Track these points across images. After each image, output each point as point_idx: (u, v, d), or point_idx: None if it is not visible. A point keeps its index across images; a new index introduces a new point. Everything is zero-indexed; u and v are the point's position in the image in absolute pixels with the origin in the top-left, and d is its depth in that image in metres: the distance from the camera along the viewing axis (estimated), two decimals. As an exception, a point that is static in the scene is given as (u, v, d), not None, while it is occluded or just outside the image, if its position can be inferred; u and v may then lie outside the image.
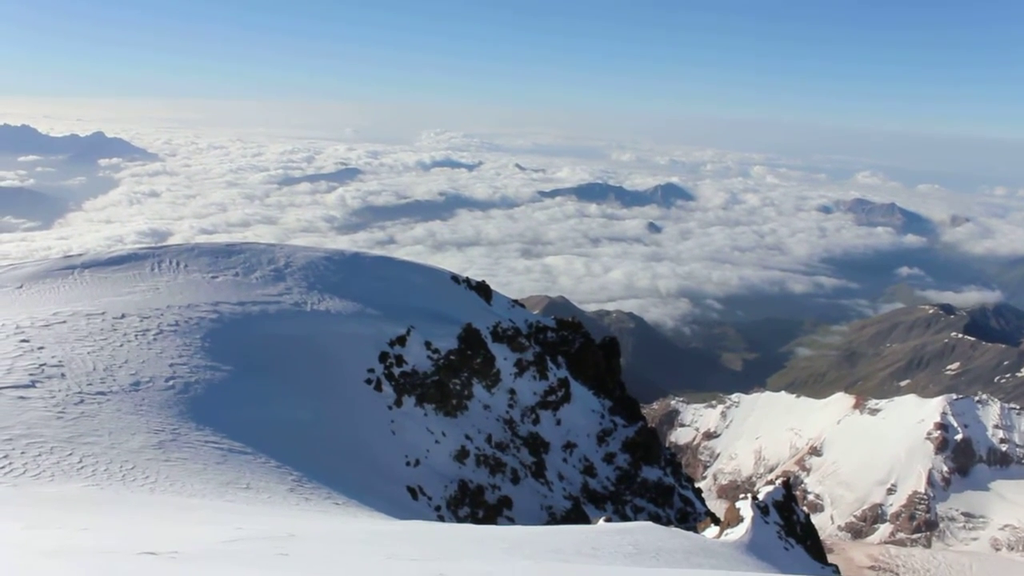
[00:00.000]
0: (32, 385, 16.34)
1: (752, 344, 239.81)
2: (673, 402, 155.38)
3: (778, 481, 26.55)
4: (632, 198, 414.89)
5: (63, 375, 17.36)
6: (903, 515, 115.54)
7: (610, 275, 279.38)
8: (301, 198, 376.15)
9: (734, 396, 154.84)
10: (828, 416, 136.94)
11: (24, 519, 9.16)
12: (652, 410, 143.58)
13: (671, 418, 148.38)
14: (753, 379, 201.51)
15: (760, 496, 23.55)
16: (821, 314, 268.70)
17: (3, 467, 12.52)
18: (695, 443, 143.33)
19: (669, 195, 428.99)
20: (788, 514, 23.76)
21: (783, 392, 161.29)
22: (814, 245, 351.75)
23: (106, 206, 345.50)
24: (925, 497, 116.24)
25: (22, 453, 13.18)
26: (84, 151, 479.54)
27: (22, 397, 15.58)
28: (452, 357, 29.54)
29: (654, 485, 33.53)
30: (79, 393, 16.69)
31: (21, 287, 25.51)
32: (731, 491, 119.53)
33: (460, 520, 24.09)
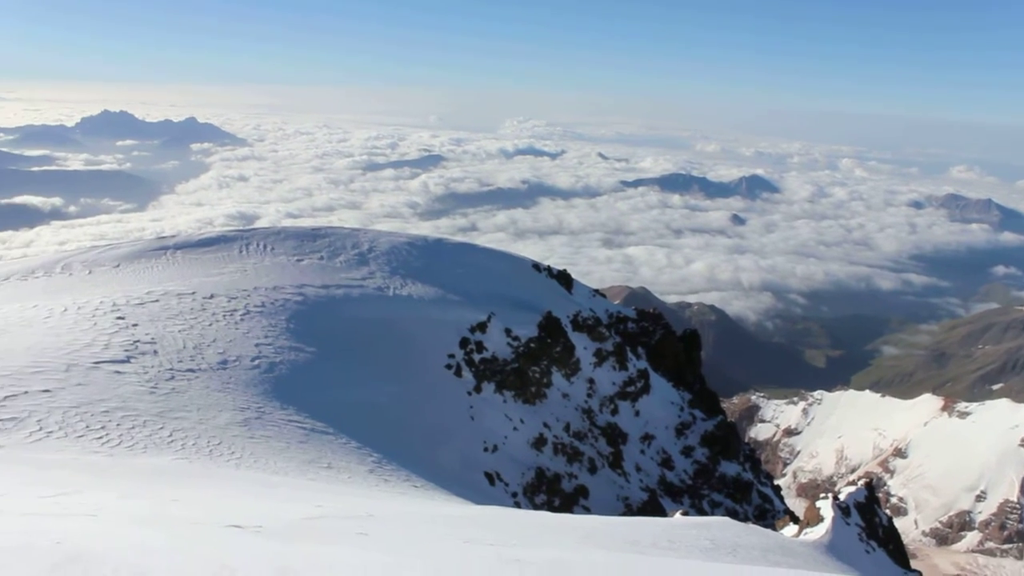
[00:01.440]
0: (127, 360, 16.91)
1: (836, 341, 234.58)
2: (753, 397, 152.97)
3: (860, 482, 25.93)
4: (716, 189, 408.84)
5: (156, 352, 17.91)
6: (993, 524, 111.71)
7: (692, 267, 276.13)
8: (385, 184, 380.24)
9: (816, 393, 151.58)
10: (914, 417, 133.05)
11: (119, 488, 9.48)
12: (732, 405, 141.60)
13: (751, 413, 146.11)
14: (837, 377, 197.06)
15: (841, 496, 23.01)
16: (909, 312, 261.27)
17: (100, 438, 13.00)
18: (775, 440, 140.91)
19: (754, 187, 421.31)
20: (870, 516, 23.18)
21: (868, 391, 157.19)
22: (903, 241, 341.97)
23: (197, 189, 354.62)
24: (1018, 506, 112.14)
25: (117, 425, 13.65)
26: (177, 136, 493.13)
27: (118, 372, 16.13)
28: (532, 345, 29.57)
29: (732, 480, 33.11)
30: (170, 370, 17.20)
31: (118, 266, 26.38)
32: (811, 490, 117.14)
33: (536, 507, 24.14)
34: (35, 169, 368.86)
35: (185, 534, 5.70)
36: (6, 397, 13.69)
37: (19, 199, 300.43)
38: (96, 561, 3.80)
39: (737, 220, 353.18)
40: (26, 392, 14.07)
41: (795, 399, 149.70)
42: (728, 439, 34.57)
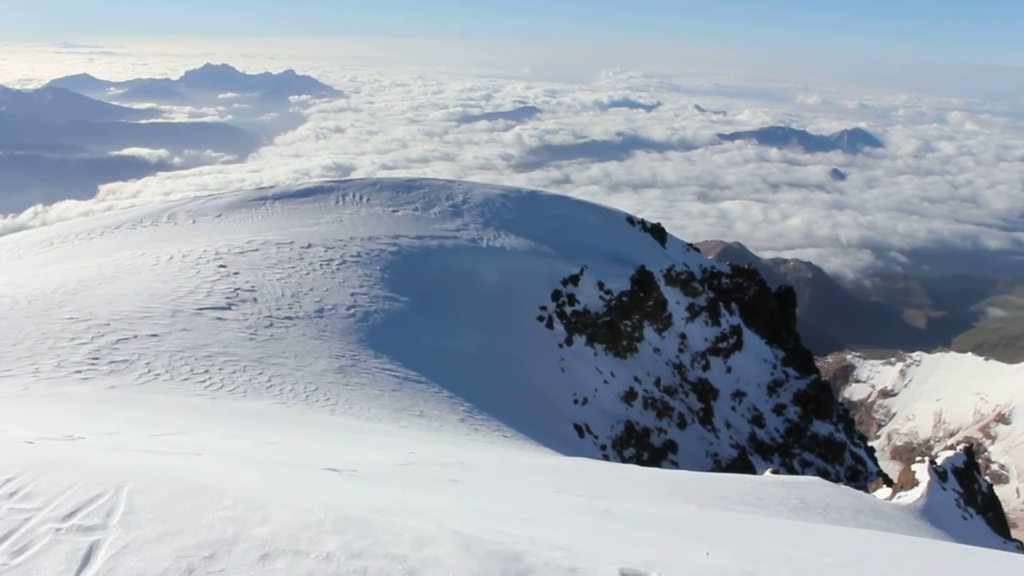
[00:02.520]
0: (228, 308, 17.45)
1: (938, 301, 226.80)
2: (849, 357, 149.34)
3: (959, 447, 25.17)
4: (816, 143, 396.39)
5: (255, 299, 18.43)
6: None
7: (789, 222, 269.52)
8: (479, 136, 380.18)
9: (915, 354, 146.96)
10: (1020, 383, 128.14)
11: (221, 430, 9.83)
12: (826, 363, 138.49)
13: (846, 373, 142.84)
14: (937, 338, 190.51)
15: (939, 461, 22.41)
16: (1019, 273, 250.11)
17: (204, 381, 13.49)
18: (870, 400, 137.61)
19: (856, 141, 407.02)
20: (969, 482, 22.52)
21: (970, 354, 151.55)
22: (1015, 199, 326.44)
23: (294, 141, 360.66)
24: None
25: (220, 370, 14.14)
26: (276, 88, 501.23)
27: (220, 318, 16.67)
28: (624, 298, 29.42)
29: (824, 440, 32.58)
30: (269, 317, 17.69)
31: (220, 216, 27.13)
32: (906, 453, 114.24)
33: (625, 460, 24.19)
34: (142, 122, 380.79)
35: (284, 476, 5.88)
36: (119, 340, 14.29)
37: (128, 151, 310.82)
38: (215, 494, 4.02)
39: (837, 175, 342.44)
40: (135, 336, 14.66)
41: (892, 360, 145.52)
42: (821, 398, 33.97)
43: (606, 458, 23.09)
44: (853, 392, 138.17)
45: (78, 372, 12.82)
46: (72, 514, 3.87)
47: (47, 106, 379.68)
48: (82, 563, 3.51)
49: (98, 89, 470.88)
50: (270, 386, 14.20)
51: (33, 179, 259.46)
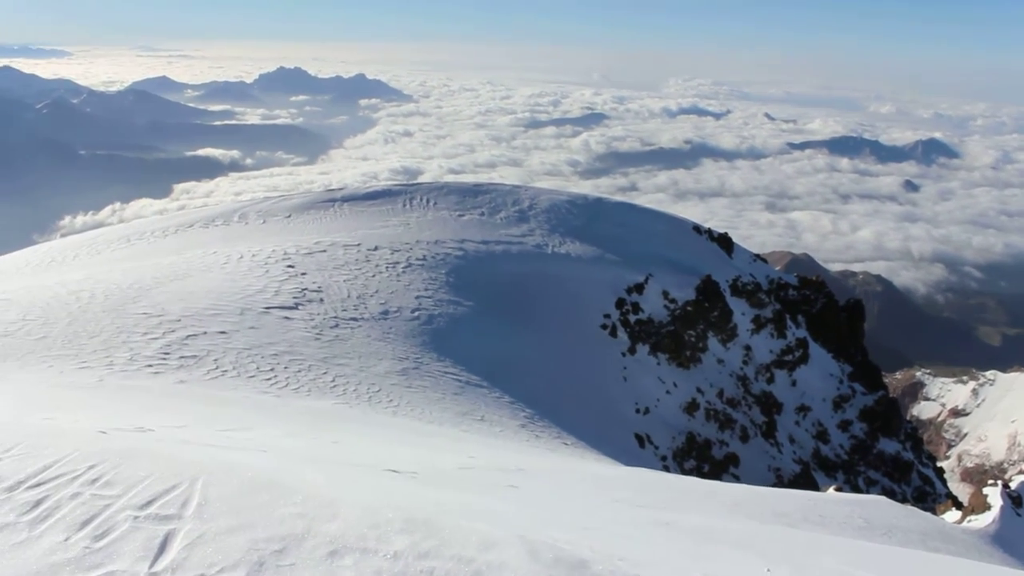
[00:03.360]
0: (295, 307, 17.73)
1: (1015, 319, 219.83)
2: (918, 374, 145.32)
3: (1037, 469, 24.44)
4: (888, 153, 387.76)
5: (322, 300, 18.70)
6: None
7: (859, 234, 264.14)
8: (546, 141, 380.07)
9: (989, 373, 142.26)
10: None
11: (285, 428, 9.99)
12: (894, 380, 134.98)
13: (915, 390, 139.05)
14: (1013, 357, 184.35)
15: (1013, 485, 21.71)
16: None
17: (269, 379, 13.72)
18: (939, 419, 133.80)
19: (930, 151, 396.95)
20: (1045, 507, 21.81)
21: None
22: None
23: (363, 144, 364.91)
24: None
25: (285, 368, 14.37)
26: (347, 92, 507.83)
27: (287, 318, 16.95)
28: (689, 308, 29.17)
29: (891, 459, 31.86)
30: (335, 317, 17.92)
31: (289, 217, 27.59)
32: (977, 476, 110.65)
33: (685, 472, 23.96)
34: (217, 123, 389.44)
35: (346, 476, 5.95)
36: (188, 336, 14.62)
37: (203, 151, 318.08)
38: (287, 490, 4.13)
39: (910, 186, 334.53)
40: (205, 333, 14.98)
41: (964, 378, 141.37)
42: (889, 415, 33.23)
43: (666, 469, 22.90)
44: (922, 410, 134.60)
45: (149, 366, 13.15)
46: (149, 503, 4.02)
47: (128, 107, 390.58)
48: (158, 551, 3.64)
49: (176, 91, 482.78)
50: (334, 386, 14.38)
51: (112, 178, 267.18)
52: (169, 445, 5.77)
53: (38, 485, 4.24)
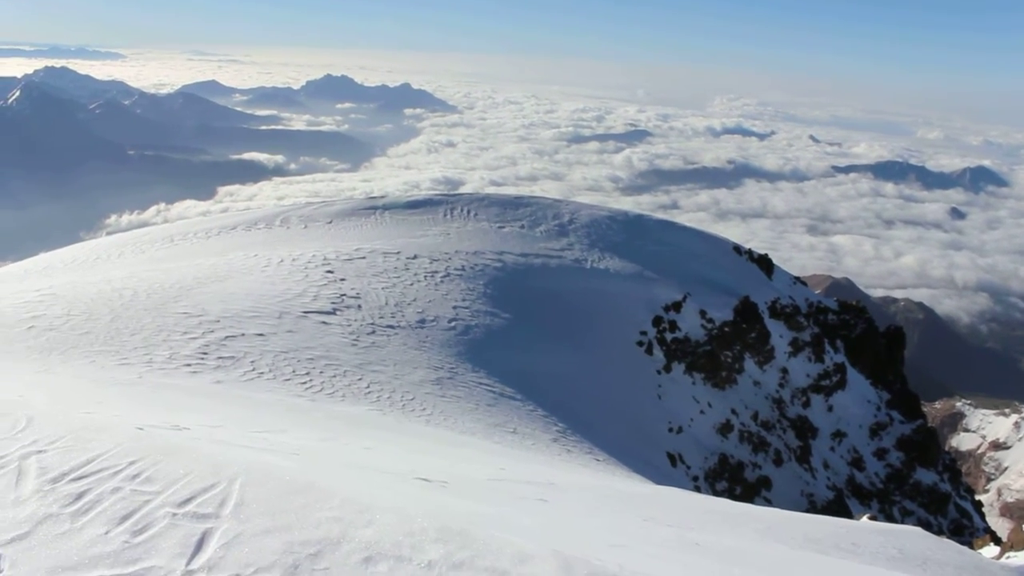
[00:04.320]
0: (333, 312, 17.87)
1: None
2: (959, 404, 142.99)
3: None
4: (935, 180, 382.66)
5: (359, 306, 18.82)
6: None
7: (901, 260, 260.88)
8: (588, 156, 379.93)
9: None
10: None
11: (318, 431, 10.05)
12: (934, 409, 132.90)
13: (954, 421, 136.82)
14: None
15: (1055, 518, 21.31)
16: None
17: (305, 383, 13.82)
18: (979, 452, 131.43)
19: (978, 179, 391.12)
20: (1087, 544, 21.34)
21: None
22: None
23: (406, 153, 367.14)
24: None
25: (320, 372, 14.47)
26: (392, 101, 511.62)
27: (324, 323, 17.08)
28: (726, 328, 28.98)
29: (928, 490, 31.36)
30: (372, 324, 18.03)
31: (330, 222, 27.84)
32: (1017, 511, 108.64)
33: (717, 494, 23.76)
34: (263, 128, 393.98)
35: (379, 482, 5.99)
36: (227, 337, 14.78)
37: (248, 155, 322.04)
38: (324, 494, 4.17)
39: (956, 214, 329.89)
40: (243, 334, 15.13)
41: (1007, 410, 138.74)
42: (927, 445, 32.73)
43: (698, 490, 22.73)
44: (961, 441, 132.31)
45: (188, 365, 13.31)
46: (188, 501, 4.08)
47: (177, 110, 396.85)
48: (195, 548, 3.70)
49: (224, 95, 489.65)
50: (368, 392, 14.45)
51: (159, 178, 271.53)
52: (206, 444, 5.84)
53: (81, 478, 4.32)
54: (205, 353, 13.93)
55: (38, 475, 4.36)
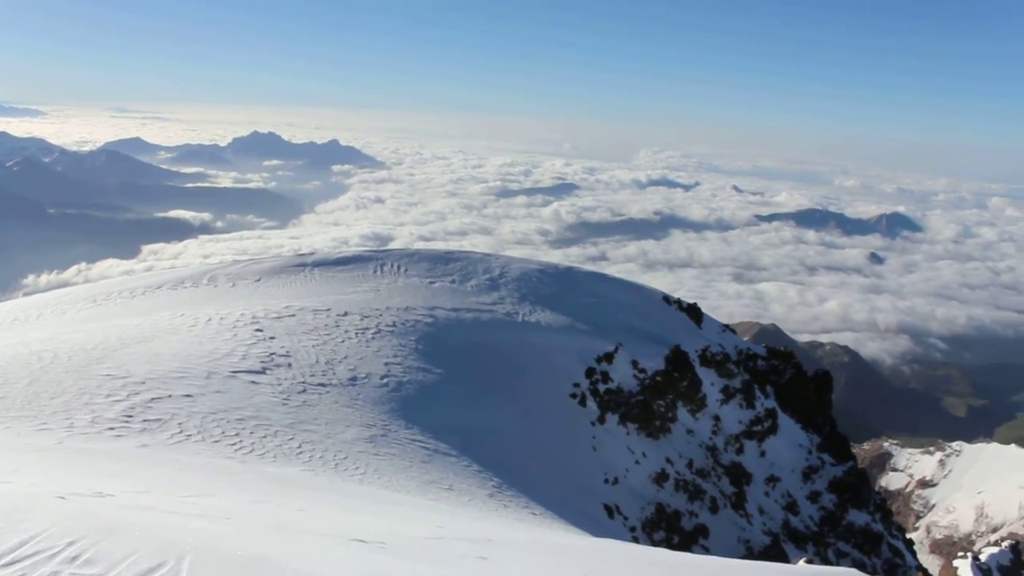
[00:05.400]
0: (263, 372, 17.54)
1: (979, 390, 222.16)
2: (886, 444, 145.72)
3: (1005, 543, 24.46)
4: (854, 226, 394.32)
5: (290, 365, 18.52)
6: None
7: (825, 305, 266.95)
8: (517, 210, 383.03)
9: (955, 444, 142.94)
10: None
11: (249, 494, 9.80)
12: (863, 450, 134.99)
13: (882, 461, 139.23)
14: (978, 428, 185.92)
15: (983, 557, 21.79)
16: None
17: (234, 444, 13.50)
18: (908, 490, 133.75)
19: (894, 225, 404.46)
20: (1015, 579, 21.82)
21: (1013, 445, 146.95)
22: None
23: (335, 209, 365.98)
24: None
25: (251, 433, 14.16)
26: (320, 157, 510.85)
27: (254, 382, 16.75)
28: (658, 378, 29.18)
29: (861, 530, 31.77)
30: (302, 383, 17.74)
31: (259, 280, 27.46)
32: (946, 547, 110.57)
33: (655, 544, 23.72)
34: (189, 185, 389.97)
35: (312, 545, 5.83)
36: (153, 399, 14.39)
37: (173, 213, 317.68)
38: (278, 567, 3.99)
39: (875, 259, 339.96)
40: (170, 396, 14.76)
41: (931, 449, 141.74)
42: (858, 487, 33.22)
43: (636, 540, 22.66)
44: (890, 481, 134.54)
45: (111, 429, 12.91)
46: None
47: (100, 167, 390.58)
48: None
49: (149, 152, 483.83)
50: (300, 452, 14.17)
51: (80, 237, 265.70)
52: (149, 518, 5.61)
53: (14, 563, 4.04)
54: (130, 416, 13.54)
55: (-33, 562, 4.07)
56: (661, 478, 26.61)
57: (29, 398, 13.58)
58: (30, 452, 10.80)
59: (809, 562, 20.74)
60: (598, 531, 18.48)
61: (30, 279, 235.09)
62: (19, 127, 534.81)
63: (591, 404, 26.08)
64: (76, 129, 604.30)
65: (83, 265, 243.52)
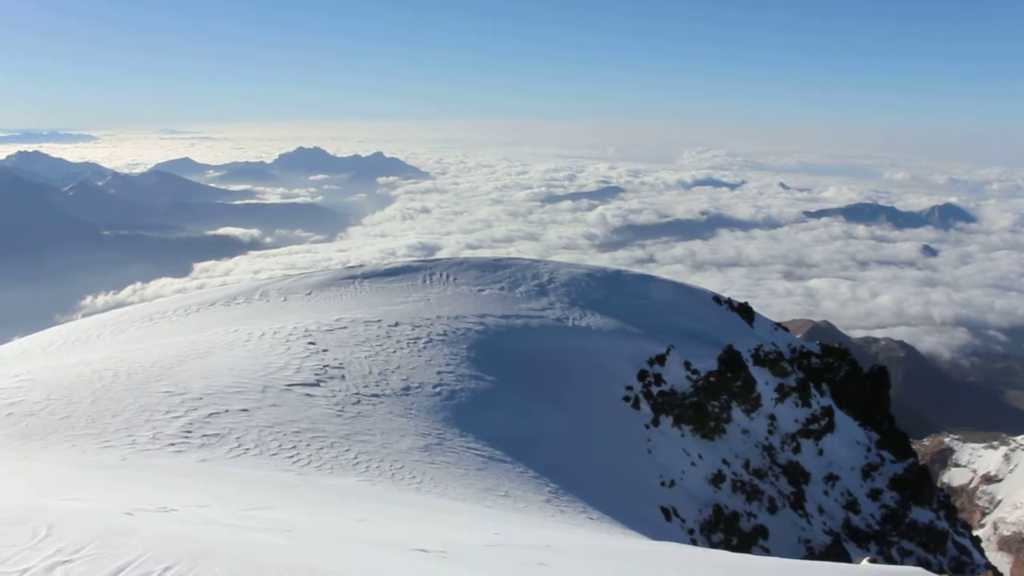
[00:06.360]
0: (317, 384, 17.70)
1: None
2: (947, 440, 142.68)
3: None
4: (905, 219, 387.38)
5: (343, 376, 18.66)
6: None
7: (878, 300, 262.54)
8: (563, 215, 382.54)
9: (1020, 438, 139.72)
10: None
11: (308, 506, 9.88)
12: (923, 447, 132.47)
13: (944, 457, 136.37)
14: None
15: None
16: None
17: (291, 457, 13.64)
18: (972, 486, 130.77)
19: (947, 216, 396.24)
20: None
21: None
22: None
23: (381, 221, 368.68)
24: None
25: (307, 445, 14.29)
26: (365, 170, 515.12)
27: (308, 395, 16.91)
28: (711, 379, 28.93)
29: (925, 528, 31.15)
30: (356, 394, 17.86)
31: (310, 294, 27.74)
32: (1015, 544, 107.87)
33: (713, 545, 23.49)
34: (237, 203, 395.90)
35: (376, 555, 5.86)
36: (211, 414, 14.60)
37: (223, 230, 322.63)
38: None
39: (928, 251, 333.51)
40: (227, 411, 14.95)
41: (995, 443, 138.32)
42: (920, 483, 32.60)
43: (694, 543, 22.46)
44: (953, 477, 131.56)
45: (172, 444, 13.12)
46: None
47: (151, 188, 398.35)
48: None
49: (198, 172, 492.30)
50: (356, 463, 14.27)
51: (134, 257, 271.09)
52: (240, 537, 5.62)
53: None
54: (189, 432, 13.74)
55: (67, 588, 4.11)
56: (718, 479, 26.35)
57: (93, 416, 13.86)
58: (95, 469, 11.02)
59: (873, 561, 20.36)
60: (656, 534, 18.35)
61: (88, 300, 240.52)
62: (74, 152, 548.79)
63: (644, 407, 25.93)
64: (128, 152, 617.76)
65: (138, 285, 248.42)
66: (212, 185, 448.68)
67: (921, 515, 31.40)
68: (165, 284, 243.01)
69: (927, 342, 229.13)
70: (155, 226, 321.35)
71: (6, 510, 5.53)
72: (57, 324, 30.21)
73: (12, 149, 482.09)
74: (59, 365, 17.64)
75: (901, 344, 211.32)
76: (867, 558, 21.76)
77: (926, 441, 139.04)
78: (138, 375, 16.26)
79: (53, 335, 24.05)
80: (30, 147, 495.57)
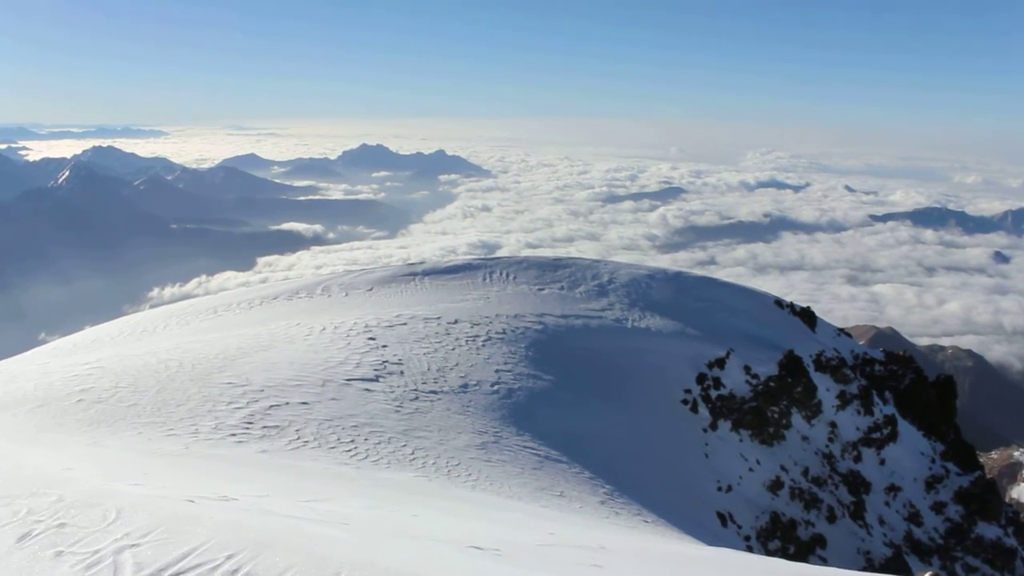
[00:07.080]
0: (376, 379, 17.87)
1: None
2: (1017, 453, 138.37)
3: None
4: (976, 224, 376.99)
5: (402, 372, 18.81)
6: None
7: (945, 307, 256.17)
8: (624, 216, 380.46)
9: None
10: None
11: (365, 499, 9.98)
12: (990, 460, 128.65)
13: (1013, 471, 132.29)
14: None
15: None
16: None
17: (350, 451, 13.79)
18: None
19: (1021, 222, 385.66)
20: None
21: None
22: None
23: (442, 219, 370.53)
24: None
25: (365, 440, 14.44)
26: (427, 168, 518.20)
27: (367, 390, 17.08)
28: (771, 383, 28.54)
29: (992, 545, 30.33)
30: (415, 390, 17.99)
31: (371, 290, 28.01)
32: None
33: (769, 553, 23.19)
34: (301, 198, 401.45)
35: (432, 551, 5.90)
36: (271, 406, 14.82)
37: (286, 226, 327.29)
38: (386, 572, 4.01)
39: (1000, 258, 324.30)
40: (287, 403, 15.17)
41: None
42: (987, 498, 31.75)
43: (750, 550, 22.19)
44: (1022, 493, 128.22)
45: (233, 435, 13.35)
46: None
47: (218, 183, 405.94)
48: None
49: (263, 168, 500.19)
50: (413, 458, 14.37)
51: (200, 251, 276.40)
52: (303, 528, 5.69)
53: (179, 575, 4.23)
54: (250, 423, 13.97)
55: (134, 571, 4.24)
56: (776, 486, 26.01)
57: (158, 405, 14.17)
58: (159, 457, 11.26)
59: None
60: (711, 540, 18.18)
61: (155, 292, 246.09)
62: (145, 148, 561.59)
63: (703, 410, 25.70)
64: (196, 148, 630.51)
65: (203, 277, 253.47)
66: (277, 181, 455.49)
67: (988, 531, 30.59)
68: (229, 277, 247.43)
69: (997, 351, 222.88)
70: (221, 220, 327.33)
71: (80, 492, 5.70)
72: (125, 314, 30.95)
73: (88, 144, 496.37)
74: (127, 354, 18.07)
75: (969, 353, 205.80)
76: (929, 573, 21.29)
77: (994, 454, 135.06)
78: (202, 366, 16.58)
79: (122, 325, 24.66)
80: (104, 142, 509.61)
